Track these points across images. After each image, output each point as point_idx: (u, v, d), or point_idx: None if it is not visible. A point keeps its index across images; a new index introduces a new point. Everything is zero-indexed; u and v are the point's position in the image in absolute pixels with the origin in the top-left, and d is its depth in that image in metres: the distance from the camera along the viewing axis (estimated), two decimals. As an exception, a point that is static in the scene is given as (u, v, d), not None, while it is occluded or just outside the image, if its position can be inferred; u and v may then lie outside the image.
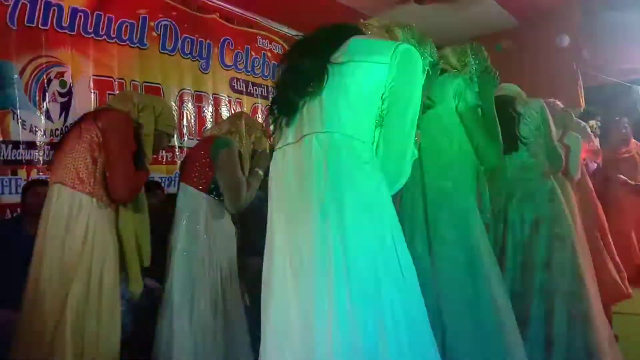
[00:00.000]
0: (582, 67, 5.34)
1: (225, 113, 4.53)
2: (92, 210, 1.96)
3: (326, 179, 1.17)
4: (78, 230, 1.93)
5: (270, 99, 1.49)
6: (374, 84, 1.24)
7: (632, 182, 4.53)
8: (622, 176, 4.55)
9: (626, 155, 4.65)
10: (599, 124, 4.53)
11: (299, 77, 1.29)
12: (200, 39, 4.41)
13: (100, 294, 1.93)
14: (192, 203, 2.36)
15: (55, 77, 3.38)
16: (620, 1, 5.02)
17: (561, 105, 3.36)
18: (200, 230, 2.32)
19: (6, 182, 3.10)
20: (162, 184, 3.83)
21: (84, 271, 1.91)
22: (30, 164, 3.22)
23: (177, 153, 4.13)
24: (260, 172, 2.49)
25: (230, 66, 4.71)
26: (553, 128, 2.44)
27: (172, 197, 2.60)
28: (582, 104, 5.30)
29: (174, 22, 4.19)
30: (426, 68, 1.41)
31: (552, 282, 2.21)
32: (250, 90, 4.88)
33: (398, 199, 1.82)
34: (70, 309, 1.86)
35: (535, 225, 2.29)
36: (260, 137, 2.58)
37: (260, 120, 4.64)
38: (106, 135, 2.01)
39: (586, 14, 5.23)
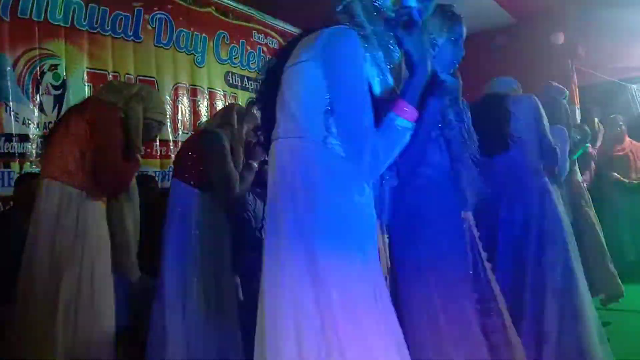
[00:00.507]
0: (576, 64, 5.36)
1: (220, 107, 4.51)
2: (81, 204, 1.95)
3: (281, 184, 1.23)
4: (68, 224, 1.92)
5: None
6: (310, 82, 1.23)
7: (626, 180, 4.56)
8: (616, 174, 4.58)
9: (620, 153, 4.67)
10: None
11: (267, 92, 1.37)
12: (195, 32, 4.39)
13: (92, 287, 1.93)
14: (184, 199, 2.35)
15: (49, 69, 3.35)
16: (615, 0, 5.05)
17: (564, 89, 3.35)
18: (192, 227, 2.31)
19: (-2, 175, 3.08)
20: (156, 178, 3.81)
21: (75, 264, 1.90)
22: (23, 157, 3.20)
23: (172, 147, 4.12)
24: (254, 164, 2.47)
25: (225, 60, 4.69)
26: (546, 124, 2.42)
27: (167, 192, 2.59)
28: (577, 102, 5.32)
29: (169, 16, 4.16)
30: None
31: (543, 280, 2.22)
32: (246, 84, 4.86)
33: None
34: (62, 302, 1.85)
35: (526, 224, 2.30)
36: (253, 128, 2.56)
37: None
38: (93, 128, 1.99)
39: (581, 12, 5.24)
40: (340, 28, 1.26)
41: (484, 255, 1.84)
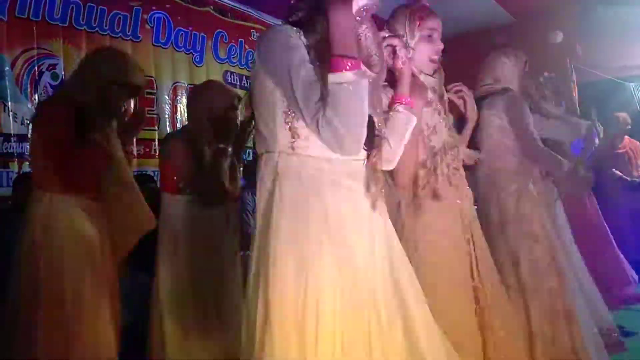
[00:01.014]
0: (575, 63, 5.35)
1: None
2: (49, 206, 1.90)
3: (257, 201, 1.27)
4: (38, 229, 1.88)
5: None
6: (263, 92, 1.22)
7: (628, 178, 4.57)
8: (618, 172, 4.58)
9: (620, 151, 4.68)
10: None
11: None
12: (194, 31, 4.38)
13: (71, 293, 1.86)
14: (170, 209, 2.31)
15: (47, 69, 3.35)
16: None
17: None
18: (178, 234, 2.27)
19: (-4, 174, 3.08)
20: (155, 177, 3.80)
21: (40, 269, 1.85)
22: (21, 157, 3.19)
23: (171, 147, 4.10)
24: (227, 148, 2.29)
25: (224, 59, 4.69)
26: (529, 121, 2.30)
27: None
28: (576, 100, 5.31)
29: (167, 15, 4.16)
30: None
31: (523, 281, 2.19)
32: (244, 84, 4.85)
33: None
34: (46, 307, 1.82)
35: (501, 226, 2.27)
36: (229, 105, 2.34)
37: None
38: (34, 127, 1.95)
39: (580, 10, 5.23)
40: (267, 30, 1.28)
41: (480, 252, 1.84)
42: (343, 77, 1.10)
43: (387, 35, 1.37)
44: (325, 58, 1.14)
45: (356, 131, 1.15)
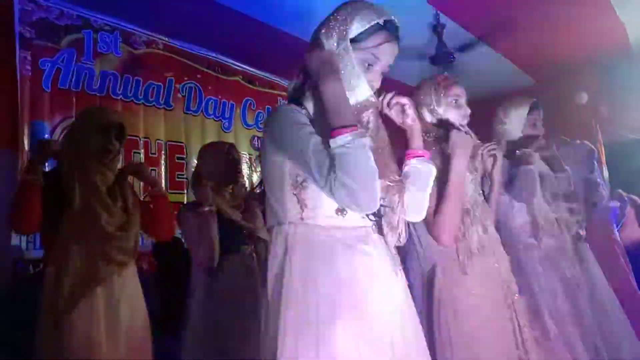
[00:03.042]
0: (600, 123, 5.34)
1: (246, 170, 4.61)
2: None
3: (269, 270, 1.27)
4: None
5: None
6: (272, 168, 1.27)
7: None
8: None
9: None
10: None
11: None
12: (223, 100, 4.57)
13: None
14: (196, 274, 2.42)
15: (83, 136, 3.50)
16: (635, 56, 5.11)
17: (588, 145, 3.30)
18: (204, 296, 2.34)
19: (31, 238, 3.15)
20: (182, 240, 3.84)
21: None
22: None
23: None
24: (210, 210, 2.40)
25: (251, 125, 4.84)
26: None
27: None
28: (604, 160, 5.25)
29: (198, 85, 4.37)
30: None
31: None
32: (271, 148, 4.97)
33: None
34: None
35: None
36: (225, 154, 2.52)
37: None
38: None
39: (603, 70, 5.29)
40: (274, 110, 1.35)
41: (521, 315, 1.78)
42: (342, 140, 1.15)
43: (394, 95, 1.42)
44: (327, 131, 1.19)
45: (368, 185, 1.16)
